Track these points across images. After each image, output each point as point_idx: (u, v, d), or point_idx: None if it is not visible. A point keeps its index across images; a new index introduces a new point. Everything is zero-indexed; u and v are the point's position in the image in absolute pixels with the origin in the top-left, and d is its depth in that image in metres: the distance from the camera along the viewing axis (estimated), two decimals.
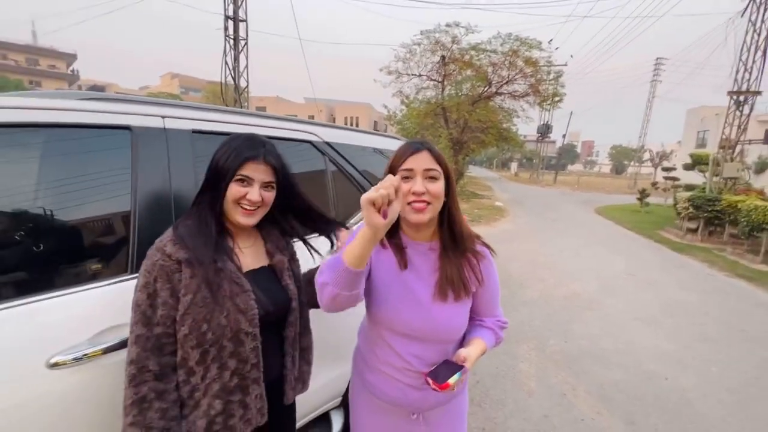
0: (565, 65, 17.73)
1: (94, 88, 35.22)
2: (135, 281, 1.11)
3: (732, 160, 10.24)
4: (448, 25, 15.04)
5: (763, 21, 9.72)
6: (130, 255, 1.12)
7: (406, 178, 0.97)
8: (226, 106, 9.94)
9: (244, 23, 9.72)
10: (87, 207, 1.11)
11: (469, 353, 1.01)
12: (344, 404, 1.90)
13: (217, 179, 0.99)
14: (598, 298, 4.83)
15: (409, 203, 0.96)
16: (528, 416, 2.47)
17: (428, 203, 0.97)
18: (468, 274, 1.05)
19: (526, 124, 21.52)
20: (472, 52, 15.37)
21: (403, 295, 1.02)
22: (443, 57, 15.57)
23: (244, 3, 9.51)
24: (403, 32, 19.94)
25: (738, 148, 10.41)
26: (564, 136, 38.11)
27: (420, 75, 16.73)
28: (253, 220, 1.04)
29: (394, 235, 1.06)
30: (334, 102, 45.87)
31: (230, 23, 9.64)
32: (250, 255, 1.09)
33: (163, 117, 1.27)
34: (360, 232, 0.83)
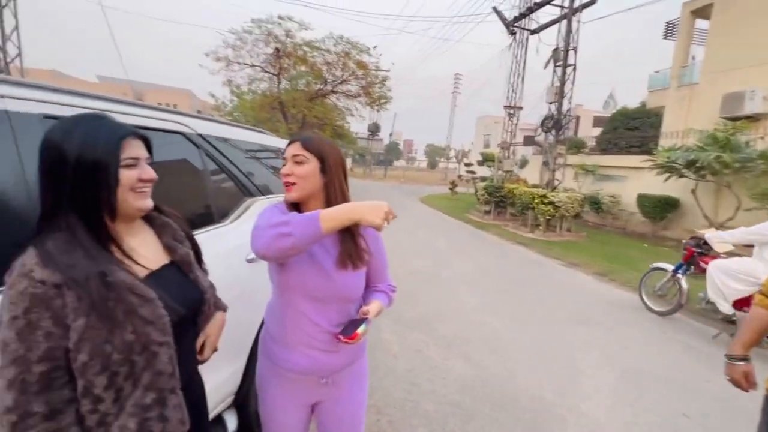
0: (389, 71, 19.89)
1: None
2: None
3: (508, 158, 13.63)
4: (281, 18, 14.78)
5: (522, 55, 13.19)
6: None
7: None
8: None
9: None
10: None
11: (369, 308, 1.23)
12: (236, 404, 1.87)
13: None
14: (434, 271, 5.83)
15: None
16: (397, 374, 2.90)
17: (293, 183, 1.16)
18: (361, 247, 1.25)
19: (358, 123, 23.15)
20: (306, 48, 15.56)
21: (309, 263, 1.16)
22: (277, 49, 15.24)
23: None
24: (232, 19, 18.56)
25: (511, 149, 13.89)
26: (390, 134, 42.64)
27: (253, 65, 15.94)
28: (149, 201, 0.94)
29: (300, 210, 1.19)
30: (143, 85, 38.71)
31: None
32: (145, 257, 0.97)
33: (1, 96, 1.02)
34: (349, 213, 1.00)
